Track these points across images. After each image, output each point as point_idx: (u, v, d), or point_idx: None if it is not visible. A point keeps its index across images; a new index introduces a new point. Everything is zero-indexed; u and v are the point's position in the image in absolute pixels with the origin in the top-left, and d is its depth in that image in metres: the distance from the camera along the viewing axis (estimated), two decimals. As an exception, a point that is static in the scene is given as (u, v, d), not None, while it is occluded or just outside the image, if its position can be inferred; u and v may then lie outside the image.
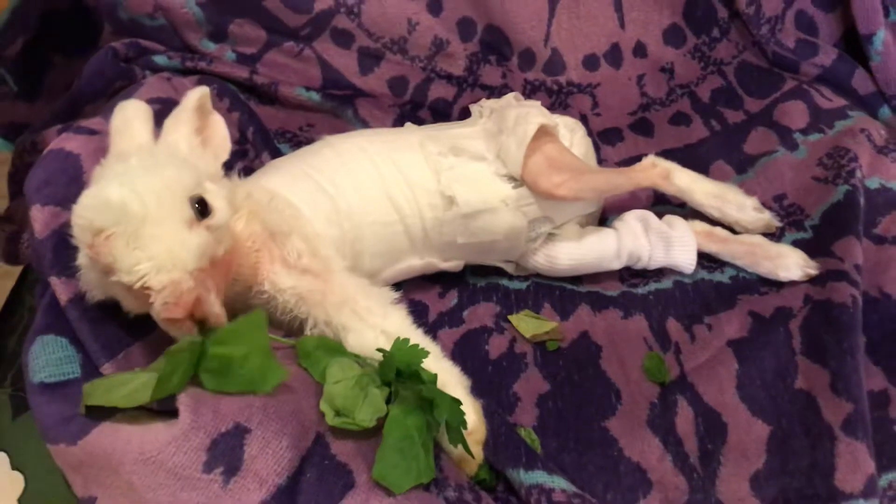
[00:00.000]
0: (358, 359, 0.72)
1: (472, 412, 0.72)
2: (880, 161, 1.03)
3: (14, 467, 0.91)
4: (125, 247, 0.60)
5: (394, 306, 0.78)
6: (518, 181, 0.92)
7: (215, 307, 0.65)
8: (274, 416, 0.63)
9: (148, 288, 0.60)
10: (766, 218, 1.00)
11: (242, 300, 0.77)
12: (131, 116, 0.75)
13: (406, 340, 0.71)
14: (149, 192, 0.63)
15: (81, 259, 0.66)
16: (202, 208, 0.67)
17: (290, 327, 0.78)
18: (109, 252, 0.60)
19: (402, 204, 0.89)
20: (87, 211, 0.62)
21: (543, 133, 0.92)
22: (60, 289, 0.70)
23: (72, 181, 0.76)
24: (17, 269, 1.14)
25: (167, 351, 0.61)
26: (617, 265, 0.98)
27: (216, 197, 0.70)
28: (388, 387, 0.69)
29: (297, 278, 0.76)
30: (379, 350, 0.70)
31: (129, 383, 0.61)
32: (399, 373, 0.69)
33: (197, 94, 0.77)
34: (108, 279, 0.62)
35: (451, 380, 0.74)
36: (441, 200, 0.90)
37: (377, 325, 0.75)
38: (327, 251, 0.79)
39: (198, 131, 0.77)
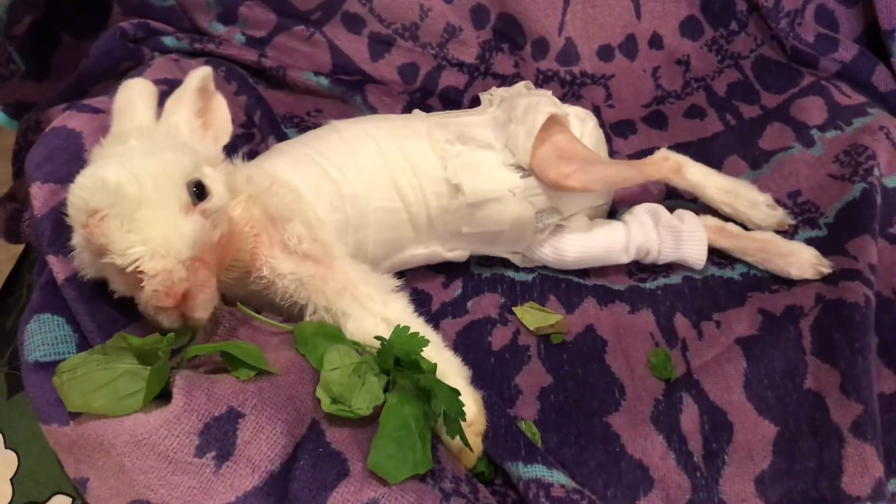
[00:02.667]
0: (356, 346, 0.71)
1: (471, 403, 0.71)
2: (899, 159, 1.01)
3: (8, 447, 0.91)
4: (119, 229, 0.60)
5: (395, 294, 0.78)
6: (526, 171, 0.90)
7: (199, 310, 0.64)
8: (269, 401, 0.63)
9: (141, 272, 0.59)
10: (779, 215, 0.98)
11: (242, 286, 0.76)
12: (135, 95, 0.75)
13: (406, 328, 0.70)
14: (146, 174, 0.62)
15: (76, 239, 0.65)
16: (199, 192, 0.66)
17: (289, 313, 0.77)
18: (103, 233, 0.60)
19: (408, 191, 0.87)
20: (82, 191, 0.61)
21: (553, 123, 0.91)
22: (58, 267, 0.70)
23: (72, 159, 0.75)
24: (19, 248, 1.14)
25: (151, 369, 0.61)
26: (625, 259, 0.96)
27: (214, 181, 0.69)
28: (387, 375, 0.68)
29: (297, 263, 0.75)
30: (378, 338, 0.69)
31: (105, 383, 0.60)
32: (398, 361, 0.68)
33: (199, 75, 0.76)
34: (100, 260, 0.61)
35: (451, 370, 0.73)
36: (447, 188, 0.88)
37: (377, 312, 0.74)
38: (328, 236, 0.78)
39: (199, 113, 0.76)
